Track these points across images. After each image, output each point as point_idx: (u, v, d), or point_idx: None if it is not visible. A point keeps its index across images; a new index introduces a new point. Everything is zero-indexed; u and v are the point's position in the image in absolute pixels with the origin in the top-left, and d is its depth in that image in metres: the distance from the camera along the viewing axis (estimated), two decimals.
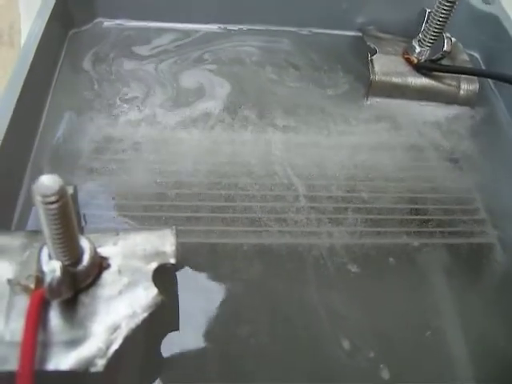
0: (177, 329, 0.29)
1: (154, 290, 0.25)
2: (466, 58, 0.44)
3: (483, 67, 0.46)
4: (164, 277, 0.27)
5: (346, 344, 0.29)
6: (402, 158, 0.39)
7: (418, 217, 0.36)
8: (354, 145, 0.39)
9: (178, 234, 0.28)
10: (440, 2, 0.39)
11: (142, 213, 0.34)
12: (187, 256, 0.32)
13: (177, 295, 0.30)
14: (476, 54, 0.47)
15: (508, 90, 0.42)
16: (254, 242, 0.33)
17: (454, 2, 0.39)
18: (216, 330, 0.30)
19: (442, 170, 0.39)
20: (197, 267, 0.32)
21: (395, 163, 0.39)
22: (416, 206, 0.36)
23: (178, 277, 0.27)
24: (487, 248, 0.35)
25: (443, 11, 0.40)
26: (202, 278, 0.32)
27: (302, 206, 0.35)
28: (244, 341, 0.29)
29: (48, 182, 0.21)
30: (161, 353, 0.28)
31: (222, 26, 0.46)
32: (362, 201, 0.36)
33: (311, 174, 0.37)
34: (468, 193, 0.38)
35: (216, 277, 0.32)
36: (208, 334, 0.30)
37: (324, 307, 0.31)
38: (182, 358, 0.29)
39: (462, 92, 0.42)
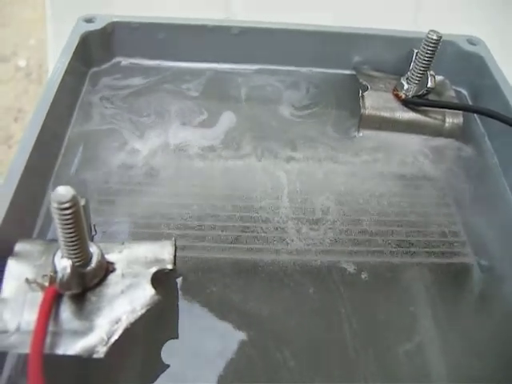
0: (176, 337, 0.32)
1: (151, 291, 0.28)
2: (452, 94, 0.48)
3: (470, 103, 0.50)
4: (163, 282, 0.31)
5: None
6: (390, 186, 0.42)
7: (403, 238, 0.38)
8: (346, 173, 0.43)
9: (176, 245, 0.32)
10: (424, 44, 0.43)
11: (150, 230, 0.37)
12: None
13: (176, 303, 0.34)
14: (464, 91, 0.51)
15: (491, 123, 0.45)
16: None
17: (437, 44, 0.43)
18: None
19: (427, 196, 0.42)
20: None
21: (384, 190, 0.42)
22: (401, 229, 0.39)
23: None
24: (466, 268, 0.37)
25: (428, 51, 0.43)
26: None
27: (298, 228, 0.38)
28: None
29: (63, 191, 0.25)
30: (162, 360, 0.31)
31: (229, 65, 0.51)
32: (350, 222, 0.39)
33: (305, 199, 0.40)
34: (451, 217, 0.40)
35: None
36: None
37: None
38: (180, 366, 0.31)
39: (447, 125, 0.45)
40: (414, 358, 0.32)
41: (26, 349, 0.25)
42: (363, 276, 0.36)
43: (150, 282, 0.29)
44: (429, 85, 0.43)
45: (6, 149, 1.25)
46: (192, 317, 0.33)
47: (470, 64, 0.49)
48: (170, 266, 0.30)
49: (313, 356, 0.32)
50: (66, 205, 0.25)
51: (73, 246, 0.26)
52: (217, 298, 0.34)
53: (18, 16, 1.64)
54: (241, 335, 0.32)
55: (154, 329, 0.32)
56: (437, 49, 0.43)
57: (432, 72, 0.44)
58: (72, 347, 0.26)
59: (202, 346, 0.32)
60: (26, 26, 1.59)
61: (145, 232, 0.37)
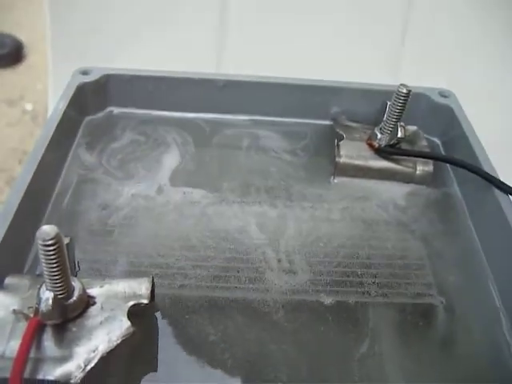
0: (155, 370, 0.34)
1: (127, 323, 0.31)
2: (424, 143, 0.51)
3: (442, 151, 0.53)
4: (142, 317, 0.33)
5: None
6: (362, 230, 0.44)
7: (374, 280, 0.41)
8: (320, 217, 0.45)
9: (154, 282, 0.34)
10: (395, 97, 0.46)
11: (135, 268, 0.40)
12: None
13: (155, 337, 0.36)
14: (436, 140, 0.54)
15: (460, 170, 0.48)
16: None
17: (407, 97, 0.46)
18: None
19: (398, 240, 0.44)
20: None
21: (357, 233, 0.44)
22: (370, 271, 0.41)
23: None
24: (431, 309, 0.39)
25: (399, 104, 0.46)
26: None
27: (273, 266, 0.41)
28: None
29: (47, 229, 0.28)
30: None
31: (213, 115, 0.54)
32: (323, 264, 0.41)
33: (283, 240, 0.43)
34: (420, 260, 0.43)
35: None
36: None
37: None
38: None
39: (418, 172, 0.48)
40: None
41: (7, 373, 0.27)
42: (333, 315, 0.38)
43: (126, 314, 0.31)
44: (399, 135, 0.46)
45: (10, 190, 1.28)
46: (171, 351, 0.35)
47: (442, 115, 0.52)
48: (145, 301, 0.32)
49: None
50: (50, 242, 0.28)
51: (56, 279, 0.29)
52: (196, 333, 0.36)
53: (26, 61, 1.70)
54: (220, 369, 0.34)
55: (132, 361, 0.34)
56: (407, 101, 0.46)
57: (402, 123, 0.47)
58: (51, 373, 0.28)
59: (181, 379, 0.34)
60: (34, 72, 1.65)
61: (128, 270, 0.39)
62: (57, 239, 0.28)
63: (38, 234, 0.28)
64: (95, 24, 0.70)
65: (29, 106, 1.54)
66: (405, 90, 0.46)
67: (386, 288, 0.40)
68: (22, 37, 1.73)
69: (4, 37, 1.69)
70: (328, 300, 0.39)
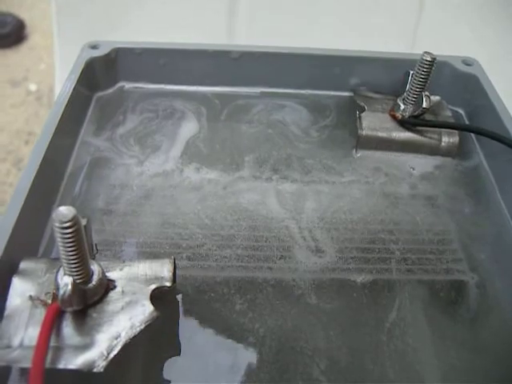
0: (178, 354, 0.33)
1: (150, 307, 0.29)
2: (449, 113, 0.48)
3: (467, 122, 0.51)
4: (164, 299, 0.32)
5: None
6: (387, 205, 0.43)
7: (400, 255, 0.39)
8: (342, 192, 0.44)
9: (176, 263, 0.33)
10: (419, 65, 0.44)
11: (154, 249, 0.38)
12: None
13: (177, 320, 0.34)
14: (460, 111, 0.52)
15: (486, 142, 0.46)
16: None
17: (431, 65, 0.44)
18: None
19: (424, 215, 0.42)
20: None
21: (381, 209, 0.42)
22: (397, 246, 0.40)
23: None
24: (462, 285, 0.38)
25: (422, 73, 0.44)
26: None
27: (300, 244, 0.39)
28: None
29: (64, 211, 0.26)
30: (163, 377, 0.32)
31: (228, 88, 0.52)
32: (346, 240, 0.40)
33: (308, 216, 0.41)
34: (447, 235, 0.41)
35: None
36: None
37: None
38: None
39: (443, 144, 0.46)
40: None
41: (28, 363, 0.26)
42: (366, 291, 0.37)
43: (148, 298, 0.30)
44: (424, 105, 0.44)
45: (17, 171, 1.28)
46: (194, 334, 0.34)
47: (466, 84, 0.50)
48: (168, 284, 0.31)
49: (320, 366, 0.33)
50: (68, 224, 0.26)
51: (74, 263, 0.27)
52: (219, 316, 0.35)
53: (29, 41, 1.68)
54: (244, 352, 0.33)
55: (155, 346, 0.33)
56: (431, 70, 0.44)
57: (427, 93, 0.45)
58: (73, 362, 0.27)
59: (204, 363, 0.33)
60: (37, 52, 1.63)
61: (147, 251, 0.38)
62: (75, 221, 0.26)
63: (55, 215, 0.26)
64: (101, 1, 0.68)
65: (33, 87, 1.52)
66: (429, 58, 0.44)
67: (415, 264, 0.39)
68: (24, 16, 1.70)
69: (5, 16, 1.66)
70: (358, 278, 0.37)
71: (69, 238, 0.26)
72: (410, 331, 0.35)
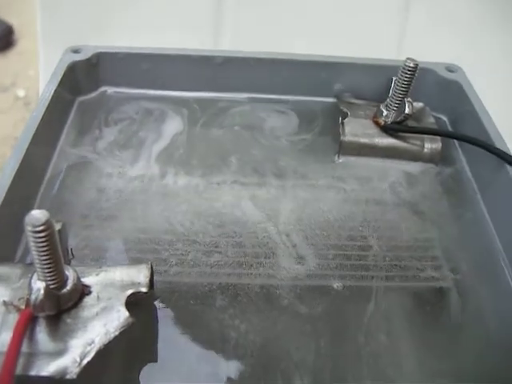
0: (155, 360, 0.32)
1: (125, 313, 0.29)
2: (432, 120, 0.49)
3: (450, 129, 0.51)
4: (142, 306, 0.31)
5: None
6: (369, 211, 0.43)
7: (385, 263, 0.39)
8: (324, 198, 0.43)
9: (153, 269, 0.33)
10: (402, 71, 0.44)
11: (132, 255, 0.38)
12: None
13: (155, 326, 0.34)
14: (444, 117, 0.52)
15: (469, 148, 0.46)
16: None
17: (413, 71, 0.44)
18: None
19: (406, 220, 0.42)
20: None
21: (363, 215, 0.42)
22: (378, 253, 0.39)
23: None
24: (444, 292, 0.38)
25: (405, 79, 0.44)
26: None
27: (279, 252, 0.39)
28: None
29: (37, 215, 0.26)
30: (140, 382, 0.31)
31: (212, 94, 0.52)
32: (327, 246, 0.40)
33: (289, 222, 0.41)
34: (429, 241, 0.41)
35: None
36: None
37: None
38: None
39: (426, 150, 0.46)
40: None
41: None
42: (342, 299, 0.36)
43: (124, 304, 0.29)
44: (406, 111, 0.44)
45: None
46: (171, 340, 0.33)
47: (449, 91, 0.50)
48: (144, 289, 0.31)
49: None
50: (40, 228, 0.26)
51: (47, 268, 0.27)
52: (197, 321, 0.34)
53: (17, 47, 1.67)
54: (221, 357, 0.33)
55: (132, 352, 0.32)
56: (414, 76, 0.44)
57: (409, 99, 0.45)
58: (45, 368, 0.26)
59: (181, 369, 0.32)
60: (25, 57, 1.62)
61: (124, 257, 0.37)
62: (48, 225, 0.26)
63: (27, 219, 0.26)
64: (86, 5, 0.67)
65: (21, 93, 1.51)
66: (412, 64, 0.44)
67: (395, 270, 0.39)
68: (13, 21, 1.70)
69: None
70: (337, 284, 0.37)
71: (42, 242, 0.26)
72: (389, 337, 0.35)
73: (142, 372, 0.31)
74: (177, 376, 0.32)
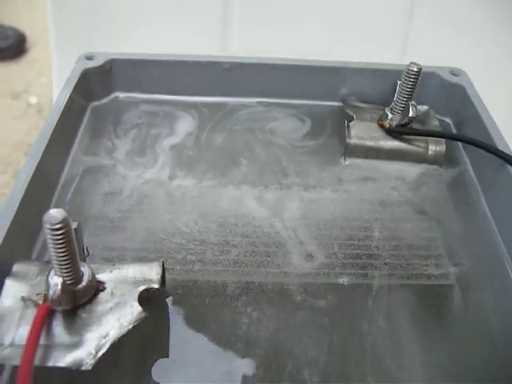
0: (166, 355, 0.33)
1: (138, 308, 0.30)
2: (436, 123, 0.50)
3: (454, 131, 0.52)
4: (154, 302, 0.33)
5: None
6: (374, 212, 0.44)
7: (385, 261, 0.40)
8: (330, 199, 0.45)
9: (164, 266, 0.34)
10: (406, 75, 0.45)
11: (145, 254, 0.39)
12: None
13: (167, 322, 0.35)
14: (448, 120, 0.53)
15: (472, 150, 0.47)
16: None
17: (417, 75, 0.45)
18: None
19: (411, 221, 0.43)
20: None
21: (368, 216, 0.43)
22: (383, 252, 0.40)
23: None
24: (446, 290, 0.39)
25: (409, 83, 0.45)
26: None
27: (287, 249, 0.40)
28: None
29: (55, 213, 0.27)
30: (152, 378, 0.31)
31: (221, 98, 0.53)
32: (333, 245, 0.41)
33: (296, 222, 0.42)
34: (433, 241, 0.42)
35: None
36: None
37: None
38: None
39: (430, 152, 0.47)
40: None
41: (18, 361, 0.26)
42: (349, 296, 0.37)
43: (137, 300, 0.31)
44: (410, 114, 0.45)
45: None
46: (183, 336, 0.34)
47: (453, 94, 0.51)
48: (156, 286, 0.32)
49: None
50: (58, 226, 0.27)
51: (64, 264, 0.28)
52: (209, 318, 0.35)
53: (29, 54, 1.70)
54: (233, 353, 0.34)
55: (144, 348, 0.33)
56: (418, 80, 0.45)
57: (413, 102, 0.46)
58: (61, 359, 0.28)
59: (194, 365, 0.33)
60: (38, 65, 1.64)
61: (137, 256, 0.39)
62: (65, 223, 0.27)
63: (46, 217, 0.27)
64: (97, 12, 0.69)
65: (33, 100, 1.53)
66: (415, 69, 0.45)
67: (400, 269, 0.39)
68: (25, 29, 1.73)
69: (6, 29, 1.68)
70: (344, 281, 0.38)
71: (59, 239, 0.27)
72: (394, 335, 0.35)
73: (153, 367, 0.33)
74: (188, 372, 0.33)
